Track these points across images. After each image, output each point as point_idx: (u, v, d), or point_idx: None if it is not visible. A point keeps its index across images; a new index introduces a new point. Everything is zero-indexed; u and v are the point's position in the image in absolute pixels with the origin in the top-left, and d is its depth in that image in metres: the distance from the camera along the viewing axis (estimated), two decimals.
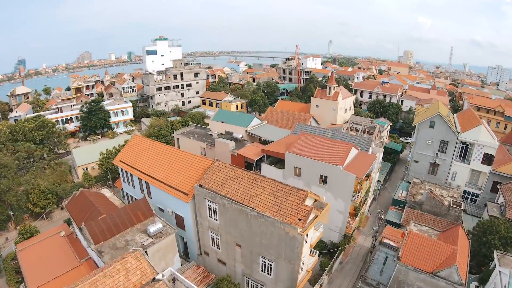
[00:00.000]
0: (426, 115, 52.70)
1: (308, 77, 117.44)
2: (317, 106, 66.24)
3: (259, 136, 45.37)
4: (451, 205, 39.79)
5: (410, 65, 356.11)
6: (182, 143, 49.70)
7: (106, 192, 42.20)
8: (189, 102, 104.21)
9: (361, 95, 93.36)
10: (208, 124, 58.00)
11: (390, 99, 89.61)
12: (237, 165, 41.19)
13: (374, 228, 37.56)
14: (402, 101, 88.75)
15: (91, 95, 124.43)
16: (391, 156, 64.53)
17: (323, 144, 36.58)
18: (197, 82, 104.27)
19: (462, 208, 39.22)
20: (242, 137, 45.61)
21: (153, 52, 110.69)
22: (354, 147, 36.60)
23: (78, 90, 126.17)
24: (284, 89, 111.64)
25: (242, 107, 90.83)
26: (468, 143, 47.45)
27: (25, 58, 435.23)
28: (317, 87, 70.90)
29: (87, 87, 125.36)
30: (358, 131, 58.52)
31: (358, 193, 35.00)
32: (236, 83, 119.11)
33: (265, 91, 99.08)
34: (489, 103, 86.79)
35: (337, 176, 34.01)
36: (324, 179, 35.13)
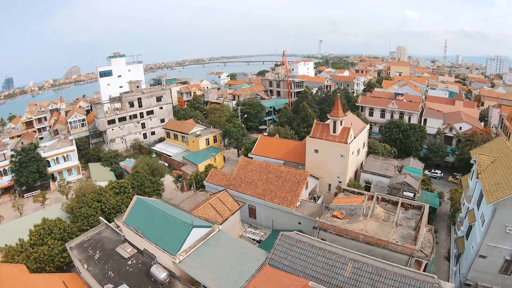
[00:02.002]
0: (505, 183, 27.80)
1: (300, 89, 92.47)
2: (316, 151, 41.34)
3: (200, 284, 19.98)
4: None
5: (403, 60, 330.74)
6: (80, 269, 24.79)
7: None
8: (153, 133, 79.17)
9: (371, 114, 68.52)
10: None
11: (409, 118, 64.82)
12: None
13: None
14: (425, 120, 63.99)
15: (44, 129, 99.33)
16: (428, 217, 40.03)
17: None
18: (161, 108, 79.16)
19: None
20: (167, 278, 20.75)
21: (108, 73, 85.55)
22: None
23: (30, 123, 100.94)
24: (271, 107, 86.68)
25: (214, 140, 65.90)
26: None
27: (12, 76, 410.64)
28: (315, 120, 45.96)
29: (39, 119, 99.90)
30: (388, 201, 33.69)
31: None
32: (213, 102, 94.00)
33: (245, 115, 74.29)
34: None
35: None
36: None
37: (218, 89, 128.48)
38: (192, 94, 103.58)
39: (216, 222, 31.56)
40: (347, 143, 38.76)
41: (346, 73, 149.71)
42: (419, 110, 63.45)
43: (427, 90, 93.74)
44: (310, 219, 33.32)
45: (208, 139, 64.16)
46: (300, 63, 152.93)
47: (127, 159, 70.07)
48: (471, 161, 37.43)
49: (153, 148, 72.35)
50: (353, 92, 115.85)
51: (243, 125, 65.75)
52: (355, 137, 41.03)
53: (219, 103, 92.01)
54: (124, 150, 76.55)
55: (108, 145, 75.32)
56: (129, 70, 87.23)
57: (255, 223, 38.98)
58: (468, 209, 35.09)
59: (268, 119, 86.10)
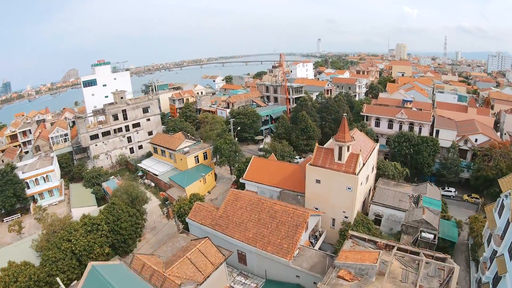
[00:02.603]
0: None
1: (299, 95, 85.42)
2: (318, 181, 34.53)
3: None
4: None
5: (403, 58, 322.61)
6: None
7: None
8: (140, 147, 72.41)
9: (377, 124, 61.60)
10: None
11: (420, 129, 57.88)
12: None
13: None
14: (437, 131, 57.04)
15: (29, 142, 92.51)
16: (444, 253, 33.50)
17: None
18: (148, 120, 72.27)
19: None
20: None
21: (93, 83, 78.51)
22: None
23: (14, 137, 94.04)
24: (267, 115, 79.74)
25: (205, 157, 59.07)
26: None
27: (10, 80, 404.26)
28: (316, 144, 38.92)
29: (24, 132, 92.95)
30: (406, 251, 26.88)
31: None
32: (206, 110, 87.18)
33: (239, 127, 67.62)
34: None
35: None
36: None
37: (213, 93, 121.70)
38: (185, 100, 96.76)
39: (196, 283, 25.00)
40: (355, 174, 31.93)
41: (346, 74, 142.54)
42: (431, 120, 56.53)
43: (434, 94, 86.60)
44: (310, 274, 26.74)
45: (197, 156, 57.39)
46: (298, 65, 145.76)
47: (111, 177, 63.74)
48: (502, 196, 30.73)
49: (139, 165, 65.70)
50: (355, 96, 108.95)
51: (236, 139, 58.95)
52: (364, 164, 34.20)
53: (212, 111, 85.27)
54: (110, 167, 70.00)
55: (92, 161, 68.71)
56: (115, 79, 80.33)
57: (245, 269, 32.35)
58: (495, 253, 28.34)
59: (265, 129, 79.24)
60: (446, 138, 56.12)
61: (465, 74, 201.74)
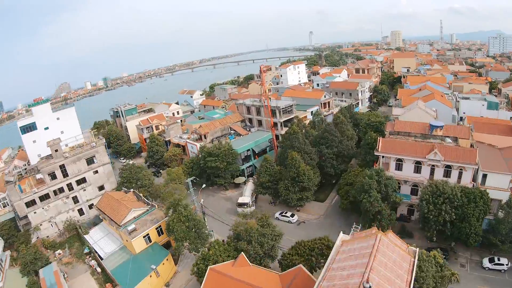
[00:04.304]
0: None
1: (289, 117, 66.78)
2: None
3: None
4: None
5: (398, 45, 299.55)
6: None
7: None
8: (91, 206, 54.63)
9: (398, 167, 42.71)
10: None
11: (460, 174, 39.22)
12: None
13: None
14: (483, 176, 38.43)
15: None
16: None
17: None
18: (96, 172, 54.36)
19: None
20: None
21: (32, 127, 60.66)
22: None
23: None
24: (248, 150, 61.16)
25: (160, 232, 41.13)
26: None
27: (1, 100, 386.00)
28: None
29: None
30: None
31: None
32: (175, 144, 68.91)
33: (204, 185, 49.62)
34: None
35: None
36: None
37: (192, 111, 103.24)
38: (154, 128, 78.46)
39: None
40: None
41: (344, 73, 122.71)
42: (477, 162, 37.87)
43: (458, 101, 67.44)
44: None
45: (148, 235, 39.49)
46: (289, 67, 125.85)
47: (58, 252, 47.32)
48: None
49: (86, 237, 48.04)
50: (358, 103, 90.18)
51: (201, 202, 40.82)
52: None
53: (182, 145, 67.08)
54: (58, 235, 53.05)
55: (36, 233, 51.51)
56: (58, 118, 62.22)
57: None
58: None
59: (247, 167, 60.86)
60: (497, 185, 37.70)
61: (470, 60, 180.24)
